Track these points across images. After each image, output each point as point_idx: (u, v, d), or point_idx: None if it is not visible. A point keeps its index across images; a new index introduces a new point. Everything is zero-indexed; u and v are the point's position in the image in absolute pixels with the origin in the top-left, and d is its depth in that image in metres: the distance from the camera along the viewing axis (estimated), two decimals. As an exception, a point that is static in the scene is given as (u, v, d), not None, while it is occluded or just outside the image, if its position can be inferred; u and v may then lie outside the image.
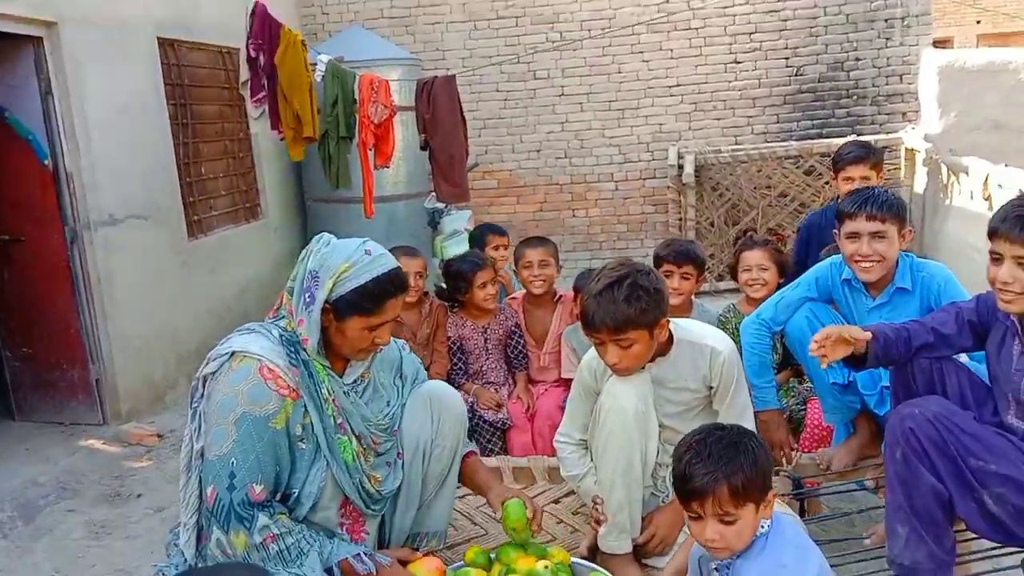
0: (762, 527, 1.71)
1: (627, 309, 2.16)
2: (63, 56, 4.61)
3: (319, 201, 7.05)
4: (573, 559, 2.28)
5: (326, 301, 2.06)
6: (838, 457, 2.73)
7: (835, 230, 2.74)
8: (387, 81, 5.89)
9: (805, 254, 3.75)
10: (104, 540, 3.73)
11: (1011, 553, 2.17)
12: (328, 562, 2.03)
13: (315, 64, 5.63)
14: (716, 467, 1.65)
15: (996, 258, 2.03)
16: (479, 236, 4.60)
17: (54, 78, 4.61)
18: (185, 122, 5.79)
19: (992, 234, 2.04)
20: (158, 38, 5.45)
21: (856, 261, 2.63)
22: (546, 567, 2.15)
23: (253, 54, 5.56)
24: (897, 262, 2.66)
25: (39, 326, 4.87)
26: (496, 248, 4.44)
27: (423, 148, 6.34)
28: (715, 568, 1.79)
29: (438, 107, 6.05)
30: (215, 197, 6.22)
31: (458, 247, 5.87)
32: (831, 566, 1.89)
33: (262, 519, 1.99)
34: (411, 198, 7.03)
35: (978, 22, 21.82)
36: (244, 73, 5.89)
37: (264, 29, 5.49)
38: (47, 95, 4.62)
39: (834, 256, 2.81)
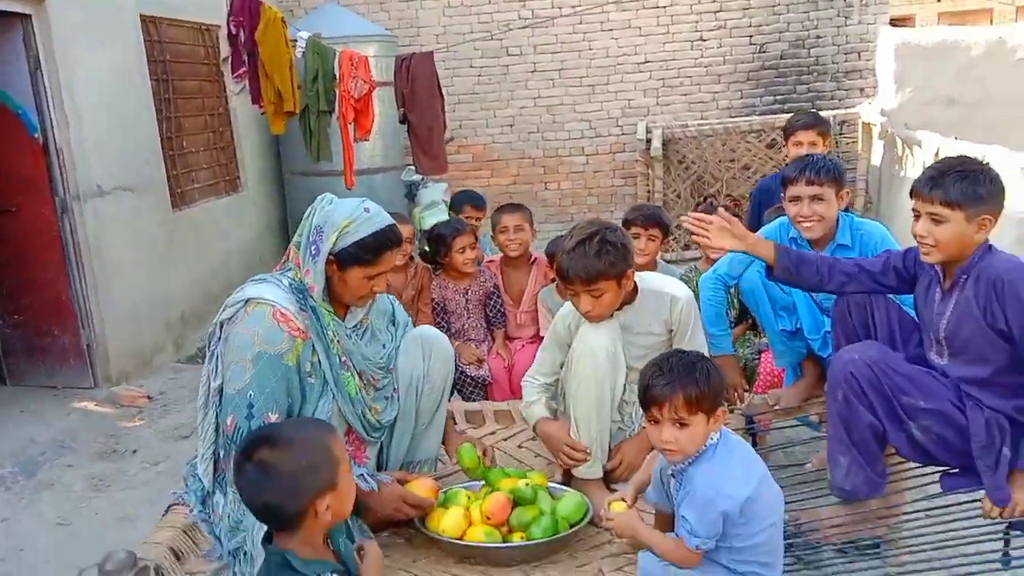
0: (711, 439, 1.98)
1: (598, 262, 2.43)
2: (51, 33, 4.74)
3: (297, 174, 7.23)
4: (549, 483, 2.56)
5: (330, 253, 2.28)
6: (787, 396, 3.02)
7: (781, 194, 3.02)
8: (366, 57, 6.07)
9: (758, 216, 4.03)
10: (104, 492, 3.94)
11: (931, 473, 2.48)
12: None
13: (295, 40, 5.79)
14: (673, 378, 1.94)
15: (916, 215, 2.30)
16: (457, 203, 4.84)
17: (42, 54, 4.75)
18: (167, 97, 5.94)
19: (912, 193, 2.32)
20: (141, 15, 5.59)
21: (799, 221, 2.91)
22: (526, 484, 2.41)
23: (234, 31, 5.71)
24: (838, 222, 2.94)
25: (31, 294, 5.03)
26: (469, 218, 4.67)
27: (402, 122, 6.54)
28: (671, 474, 2.06)
29: (417, 83, 6.25)
30: (197, 170, 6.38)
31: (435, 217, 6.09)
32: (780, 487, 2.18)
33: None
34: (388, 171, 7.23)
35: (938, 0, 22.26)
36: (225, 49, 6.04)
37: (244, 7, 5.63)
38: (36, 71, 4.75)
39: (782, 217, 3.09)
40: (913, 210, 2.32)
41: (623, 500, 2.26)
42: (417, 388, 2.60)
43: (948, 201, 2.20)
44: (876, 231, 2.95)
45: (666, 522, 2.16)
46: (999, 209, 2.24)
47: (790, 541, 2.30)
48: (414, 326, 2.81)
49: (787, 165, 3.05)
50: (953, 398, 2.29)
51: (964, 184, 2.19)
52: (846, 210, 3.02)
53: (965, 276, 2.25)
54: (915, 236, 2.31)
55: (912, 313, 2.56)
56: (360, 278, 2.32)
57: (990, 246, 2.26)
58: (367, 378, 2.44)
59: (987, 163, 2.29)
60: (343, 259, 2.29)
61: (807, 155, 3.07)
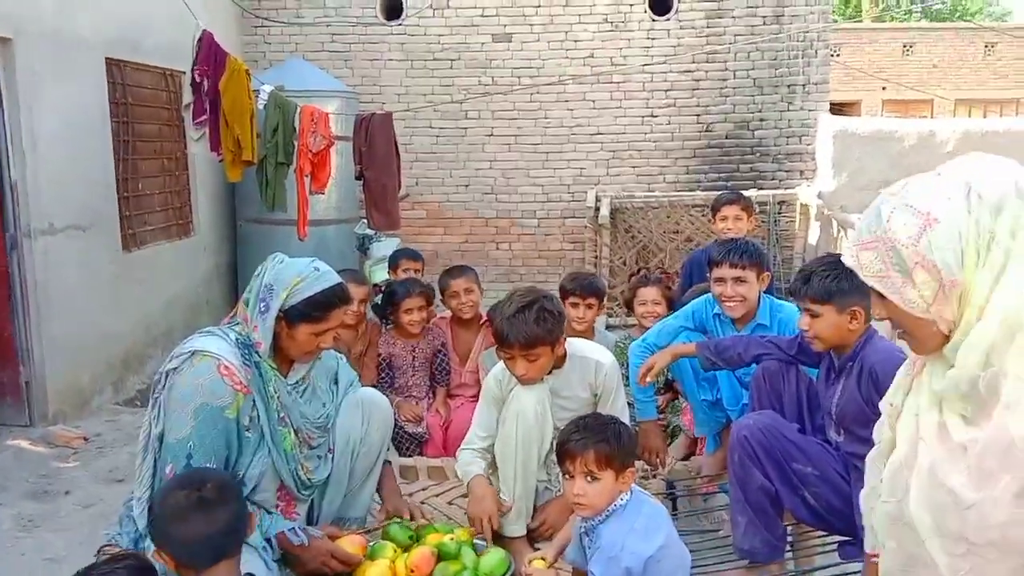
0: (621, 499, 2.13)
1: (536, 328, 2.59)
2: (15, 69, 4.81)
3: (251, 222, 7.30)
4: (475, 539, 2.66)
5: (280, 309, 2.39)
6: (707, 464, 3.18)
7: (708, 273, 3.22)
8: (327, 113, 6.23)
9: (689, 287, 4.25)
10: (33, 532, 3.89)
11: (832, 542, 2.64)
12: (267, 533, 2.35)
13: (258, 92, 5.93)
14: (587, 435, 2.13)
15: (800, 310, 2.53)
16: (393, 260, 5.00)
17: (5, 90, 4.80)
18: (127, 139, 6.01)
19: (792, 294, 2.56)
20: (106, 58, 5.68)
21: (723, 301, 3.12)
22: (451, 539, 2.51)
23: (198, 79, 5.83)
24: (759, 302, 3.14)
25: (-29, 328, 4.99)
26: (406, 271, 4.80)
27: (358, 178, 6.69)
28: (584, 533, 2.19)
29: (375, 141, 6.42)
30: (150, 212, 6.43)
31: (385, 272, 6.20)
32: (691, 551, 2.32)
33: None
34: (341, 223, 7.34)
35: (883, 88, 23.37)
36: (187, 96, 6.15)
37: (210, 56, 5.77)
38: (-3, 106, 4.81)
39: (708, 293, 3.29)
40: (800, 306, 2.55)
41: (543, 559, 2.38)
42: (353, 450, 2.69)
43: (816, 297, 2.43)
44: (794, 315, 3.15)
45: (584, 581, 2.28)
46: (867, 300, 2.42)
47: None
48: (360, 382, 2.92)
49: (712, 245, 3.26)
50: (841, 469, 2.48)
51: (828, 281, 2.42)
52: (768, 291, 3.23)
53: (851, 363, 2.46)
54: (800, 329, 2.53)
55: None
56: (308, 334, 2.42)
57: (872, 335, 2.47)
58: (303, 435, 2.52)
59: (829, 258, 2.56)
60: (292, 316, 2.39)
61: (732, 239, 3.28)
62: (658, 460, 3.16)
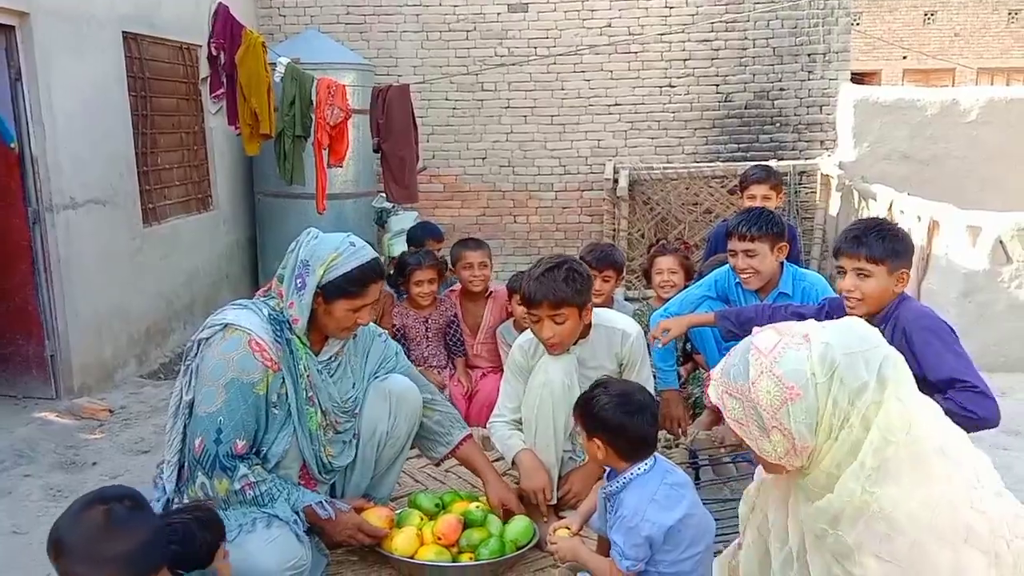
0: (643, 466, 2.14)
1: (565, 288, 2.59)
2: (33, 45, 4.81)
3: (269, 196, 7.31)
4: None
5: (317, 286, 2.38)
6: (729, 433, 3.18)
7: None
8: (343, 85, 6.21)
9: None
10: (62, 502, 3.94)
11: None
12: (295, 507, 2.37)
13: (274, 65, 5.92)
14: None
15: (841, 271, 2.51)
16: (415, 237, 4.98)
17: (24, 66, 4.82)
18: (145, 113, 6.02)
19: (836, 253, 2.53)
20: (123, 32, 5.68)
21: (737, 271, 3.11)
22: (477, 507, 2.53)
23: (214, 52, 5.84)
24: (782, 271, 3.12)
25: (-3, 302, 5.05)
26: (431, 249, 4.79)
27: (375, 151, 6.68)
28: (607, 499, 2.21)
29: (392, 113, 6.40)
30: (169, 187, 6.45)
31: (403, 245, 6.21)
32: (716, 519, 2.32)
33: (242, 469, 2.32)
34: (359, 196, 7.34)
35: (904, 58, 23.03)
36: (204, 70, 6.14)
37: (226, 29, 5.78)
38: (16, 81, 4.82)
39: (726, 264, 3.27)
40: (838, 267, 2.52)
41: (568, 528, 2.39)
42: (380, 441, 2.70)
43: (873, 257, 2.41)
44: (817, 282, 3.14)
45: (607, 546, 2.30)
46: (911, 264, 2.50)
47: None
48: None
49: (733, 217, 3.24)
50: None
51: (885, 242, 2.41)
52: (795, 261, 3.20)
53: (883, 325, 2.44)
54: (842, 292, 2.50)
55: None
56: (345, 310, 2.42)
57: (905, 296, 2.46)
58: (330, 418, 2.53)
59: (897, 224, 2.54)
60: (329, 292, 2.39)
61: (748, 210, 3.25)
62: (680, 429, 3.16)
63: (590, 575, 2.22)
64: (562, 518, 2.65)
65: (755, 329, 1.61)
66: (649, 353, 3.02)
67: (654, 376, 3.22)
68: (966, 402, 2.30)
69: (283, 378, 2.39)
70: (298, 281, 2.39)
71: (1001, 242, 5.37)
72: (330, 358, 2.55)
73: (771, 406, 1.48)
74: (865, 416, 1.45)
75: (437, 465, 2.92)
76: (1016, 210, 5.60)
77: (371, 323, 2.71)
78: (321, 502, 2.42)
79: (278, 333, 2.39)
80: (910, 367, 2.36)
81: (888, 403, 1.46)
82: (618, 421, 2.16)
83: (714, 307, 3.19)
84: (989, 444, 4.19)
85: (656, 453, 2.21)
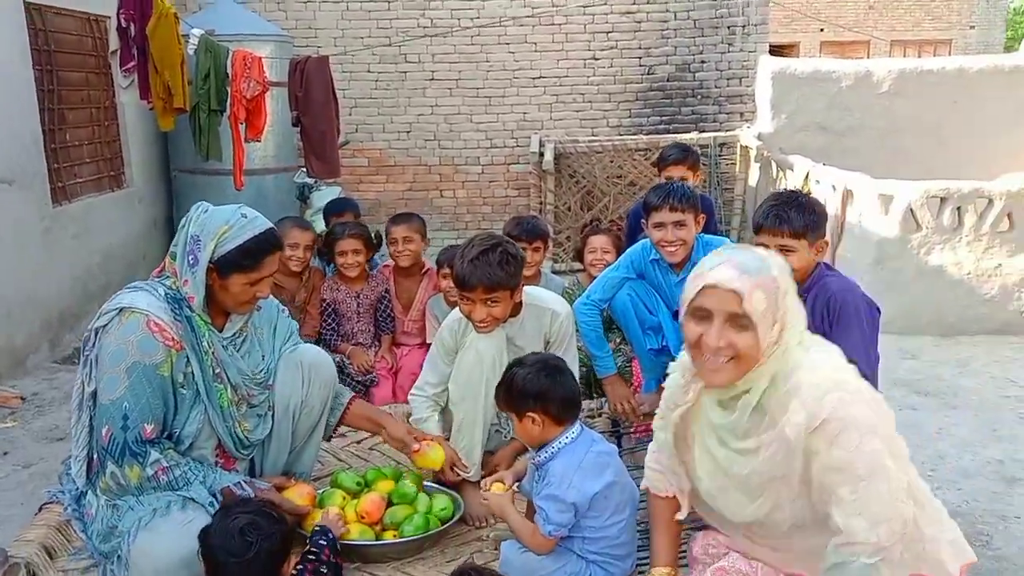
0: (569, 435, 2.17)
1: (500, 272, 2.57)
2: (-75, 15, 4.57)
3: (186, 172, 7.11)
4: (426, 483, 2.68)
5: (209, 261, 2.30)
6: (650, 401, 3.24)
7: (643, 220, 3.22)
8: (260, 58, 6.04)
9: (633, 235, 4.26)
10: (-28, 493, 3.81)
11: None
12: (212, 489, 2.31)
13: (187, 37, 5.72)
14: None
15: (763, 247, 2.55)
16: (326, 212, 4.96)
17: (-85, 37, 4.57)
18: (51, 88, 5.77)
19: (756, 229, 2.58)
20: (25, 3, 5.41)
21: (663, 246, 3.11)
22: (410, 484, 2.54)
23: (124, 24, 5.60)
24: (695, 243, 3.17)
25: None
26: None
27: (295, 125, 6.54)
28: (535, 464, 2.25)
29: (310, 86, 6.26)
30: (80, 164, 6.21)
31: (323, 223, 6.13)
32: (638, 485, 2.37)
33: (154, 454, 2.25)
34: (280, 172, 7.19)
35: (821, 30, 23.53)
36: (114, 42, 5.90)
37: (136, 0, 5.54)
38: (-93, 54, 4.57)
39: (644, 240, 3.30)
40: (760, 244, 2.56)
41: (502, 482, 2.41)
42: (295, 413, 2.63)
43: (795, 232, 2.46)
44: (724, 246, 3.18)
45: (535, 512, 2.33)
46: (826, 232, 2.60)
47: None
48: (300, 329, 2.86)
49: (649, 192, 3.25)
50: None
51: (805, 215, 2.47)
52: (713, 232, 3.26)
53: (805, 295, 2.50)
54: None
55: None
56: (242, 284, 2.34)
57: (823, 267, 2.53)
58: (242, 392, 2.47)
59: (810, 193, 2.61)
60: (223, 266, 2.31)
61: (666, 183, 3.28)
62: (629, 407, 3.20)
63: (513, 541, 2.26)
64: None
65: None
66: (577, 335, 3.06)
67: (590, 362, 3.28)
68: None
69: (187, 357, 2.32)
70: (190, 258, 2.31)
71: (911, 210, 5.56)
72: (234, 334, 2.48)
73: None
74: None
75: (329, 440, 2.88)
76: (926, 179, 5.80)
77: (276, 298, 2.66)
78: (239, 482, 2.37)
79: (177, 312, 2.31)
80: (826, 335, 2.46)
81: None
82: (544, 386, 2.19)
83: (635, 287, 3.22)
84: (898, 405, 4.37)
85: (580, 423, 2.24)
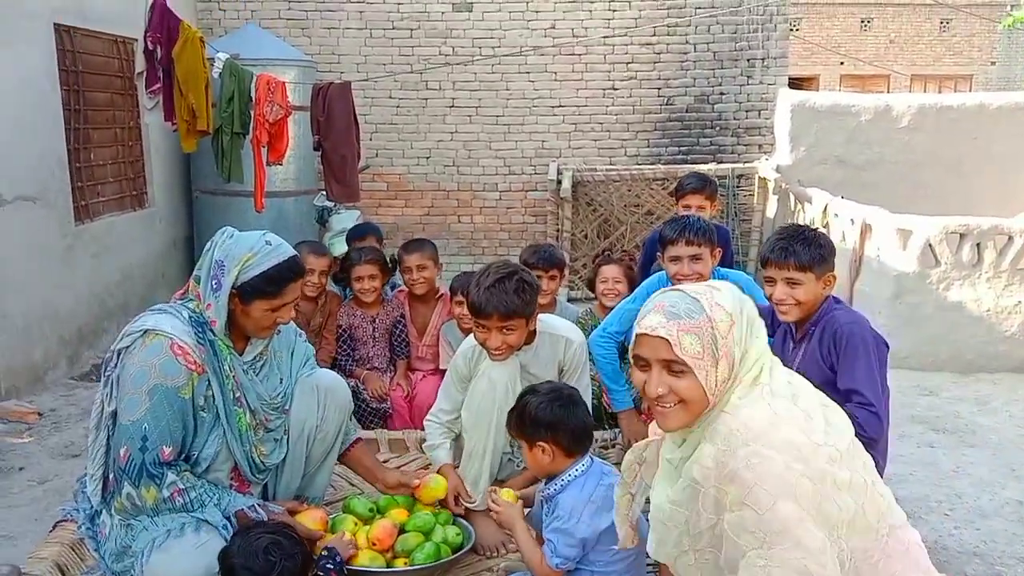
0: (579, 468, 2.16)
1: (516, 300, 2.58)
2: (-42, 36, 4.66)
3: (207, 193, 7.18)
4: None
5: (232, 287, 2.33)
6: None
7: (659, 253, 3.21)
8: (283, 82, 6.13)
9: (649, 264, 4.26)
10: (-13, 508, 3.83)
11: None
12: (226, 511, 2.32)
13: (213, 60, 5.81)
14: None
15: (771, 281, 2.56)
16: (349, 237, 4.98)
17: (-52, 57, 4.66)
18: (77, 108, 5.86)
19: (763, 263, 2.57)
20: (55, 24, 5.52)
21: (679, 279, 3.09)
22: (428, 513, 2.54)
23: (151, 46, 5.71)
24: (712, 277, 3.16)
25: (-83, 302, 4.86)
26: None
27: (316, 149, 6.61)
28: (545, 497, 2.25)
29: (332, 111, 6.34)
30: (103, 183, 6.29)
31: (344, 245, 6.16)
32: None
33: (170, 476, 2.27)
34: (300, 195, 7.26)
35: (841, 63, 23.61)
36: (140, 64, 6.00)
37: (163, 23, 5.64)
38: (-61, 73, 4.66)
39: (660, 272, 3.30)
40: (767, 278, 2.57)
41: (510, 490, 2.41)
42: (309, 436, 2.65)
43: (801, 265, 2.46)
44: (741, 280, 3.17)
45: (541, 543, 2.31)
46: (834, 266, 2.59)
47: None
48: (316, 354, 2.88)
49: (665, 225, 3.25)
50: None
51: (811, 249, 2.48)
52: (729, 263, 3.25)
53: (813, 328, 2.50)
54: (774, 301, 2.55)
55: None
56: (263, 310, 2.36)
57: (834, 299, 2.53)
58: (259, 417, 2.48)
59: (818, 228, 2.62)
60: (246, 292, 2.33)
61: (683, 217, 3.27)
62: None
63: (524, 573, 2.24)
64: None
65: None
66: (592, 372, 3.05)
67: (603, 391, 3.26)
68: (861, 420, 2.39)
69: (208, 380, 2.34)
70: (213, 283, 2.34)
71: (930, 245, 5.54)
72: (255, 358, 2.49)
73: (725, 332, 1.68)
74: (752, 351, 1.71)
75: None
76: (945, 214, 5.78)
77: (293, 323, 2.68)
78: (253, 505, 2.38)
79: (200, 335, 2.33)
80: (829, 368, 2.45)
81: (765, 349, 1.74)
82: (556, 416, 2.19)
83: None
84: (916, 442, 4.32)
85: (591, 455, 2.23)
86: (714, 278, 3.15)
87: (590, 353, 3.25)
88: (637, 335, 1.75)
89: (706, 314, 1.68)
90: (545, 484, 2.23)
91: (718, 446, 1.64)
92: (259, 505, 2.40)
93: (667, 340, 1.67)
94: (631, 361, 1.79)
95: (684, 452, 1.75)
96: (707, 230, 3.09)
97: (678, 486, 1.73)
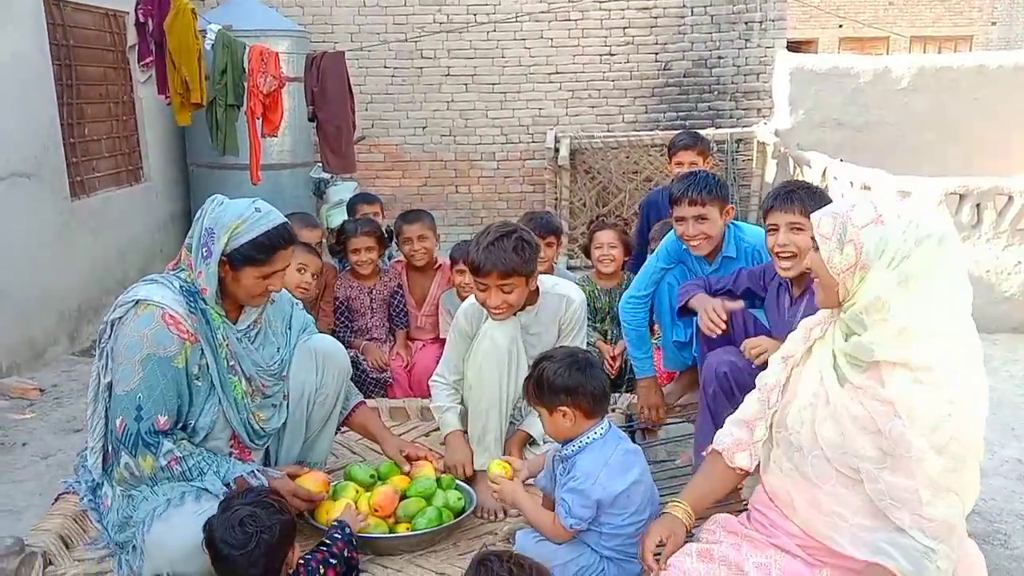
0: (598, 431, 2.17)
1: (515, 257, 2.58)
2: (-54, 11, 4.61)
3: (203, 167, 7.15)
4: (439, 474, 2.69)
5: (222, 254, 2.32)
6: (670, 392, 3.25)
7: (669, 211, 3.18)
8: (277, 53, 6.08)
9: (647, 228, 4.24)
10: (-9, 483, 3.85)
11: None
12: (225, 479, 2.33)
13: (205, 32, 5.75)
14: (562, 363, 2.23)
15: (773, 229, 2.53)
16: (350, 205, 4.97)
17: (-64, 32, 4.61)
18: (70, 83, 5.81)
19: (767, 211, 2.55)
20: (45, -2, 5.46)
21: (685, 239, 3.06)
22: (430, 478, 2.55)
23: (142, 19, 5.65)
24: (725, 232, 3.11)
25: (-85, 280, 4.86)
26: (366, 214, 4.76)
27: (311, 120, 6.56)
28: (561, 461, 2.25)
29: (326, 81, 6.28)
30: (98, 158, 6.25)
31: (342, 216, 6.13)
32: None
33: (166, 444, 2.28)
34: (296, 167, 7.22)
35: (840, 26, 23.34)
36: (132, 37, 5.95)
37: (154, -6, 5.58)
38: (-72, 49, 4.61)
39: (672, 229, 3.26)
40: (770, 226, 2.55)
41: (506, 462, 2.42)
42: (309, 400, 2.65)
43: (806, 210, 2.44)
44: (756, 239, 3.09)
45: (550, 506, 2.32)
46: None
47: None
48: (315, 326, 2.88)
49: (673, 182, 3.21)
50: None
51: (815, 197, 2.46)
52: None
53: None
54: (774, 250, 2.53)
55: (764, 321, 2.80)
56: (254, 278, 2.36)
57: None
58: (256, 384, 2.49)
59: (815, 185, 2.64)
60: (235, 260, 2.33)
61: (691, 174, 3.19)
62: (656, 416, 3.18)
63: (529, 530, 2.26)
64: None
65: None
66: (618, 338, 3.03)
67: (624, 360, 3.25)
68: None
69: (202, 349, 2.34)
70: (204, 250, 2.33)
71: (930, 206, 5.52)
72: (248, 326, 2.50)
73: (859, 223, 1.82)
74: (920, 262, 1.79)
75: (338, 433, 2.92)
76: (945, 175, 5.75)
77: (289, 292, 2.67)
78: (253, 472, 2.39)
79: (192, 304, 2.33)
80: None
81: (935, 267, 1.80)
82: (575, 380, 2.18)
83: (675, 275, 3.16)
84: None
85: (609, 420, 2.25)
86: (730, 234, 3.10)
87: (618, 318, 3.29)
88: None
89: (846, 207, 1.87)
90: (563, 446, 2.23)
91: (909, 359, 1.78)
92: (259, 471, 2.41)
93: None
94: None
95: (854, 346, 1.86)
96: (713, 187, 3.00)
97: (860, 395, 1.83)
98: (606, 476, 2.12)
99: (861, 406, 1.82)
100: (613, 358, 3.83)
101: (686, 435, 3.22)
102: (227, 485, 2.32)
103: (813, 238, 1.89)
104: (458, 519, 2.50)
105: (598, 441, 2.19)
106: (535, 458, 2.54)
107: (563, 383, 2.18)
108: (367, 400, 3.61)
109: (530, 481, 2.43)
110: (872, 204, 1.85)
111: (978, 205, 5.50)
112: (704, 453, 2.21)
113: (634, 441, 3.07)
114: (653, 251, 3.49)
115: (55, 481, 3.58)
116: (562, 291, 2.86)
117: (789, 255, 2.50)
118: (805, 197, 2.49)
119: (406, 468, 2.65)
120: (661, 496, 2.55)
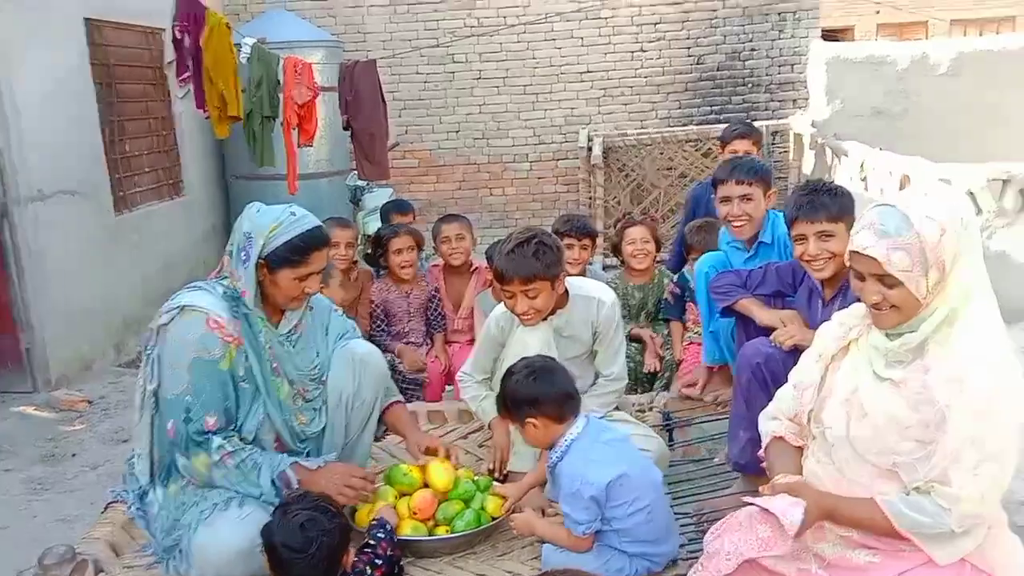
0: (573, 433, 2.20)
1: (535, 263, 2.59)
2: (-8, 36, 4.74)
3: (241, 178, 7.27)
4: (476, 476, 2.71)
5: (259, 256, 2.38)
6: (701, 378, 3.25)
7: (712, 196, 3.17)
8: (310, 64, 6.15)
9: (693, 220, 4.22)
10: (43, 495, 3.96)
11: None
12: (278, 469, 2.37)
13: (240, 46, 5.85)
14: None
15: (801, 239, 2.51)
16: (383, 214, 5.03)
17: (-18, 57, 4.75)
18: (111, 100, 5.95)
19: (792, 221, 2.53)
20: (85, 18, 5.59)
21: (729, 221, 3.05)
22: (471, 481, 2.58)
23: (179, 36, 5.76)
24: (765, 220, 3.09)
25: (-32, 298, 5.01)
26: (398, 223, 4.81)
27: (345, 128, 6.64)
28: (548, 468, 2.30)
29: (359, 90, 6.35)
30: (140, 174, 6.40)
31: (379, 222, 6.19)
32: (690, 479, 2.37)
33: (216, 440, 2.33)
34: (333, 175, 7.31)
35: (877, 12, 22.91)
36: (169, 54, 6.06)
37: (190, 11, 5.68)
38: (-25, 73, 4.75)
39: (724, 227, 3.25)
40: (797, 236, 2.52)
41: (501, 497, 2.50)
42: (347, 405, 2.67)
43: (832, 216, 2.41)
44: None
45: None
46: None
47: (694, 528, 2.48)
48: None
49: (718, 167, 3.20)
50: None
51: (839, 199, 2.43)
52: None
53: (846, 283, 2.46)
54: (805, 259, 2.50)
55: None
56: (290, 279, 2.41)
57: None
58: (297, 387, 2.53)
59: (832, 181, 2.58)
60: (272, 262, 2.38)
61: (736, 157, 3.19)
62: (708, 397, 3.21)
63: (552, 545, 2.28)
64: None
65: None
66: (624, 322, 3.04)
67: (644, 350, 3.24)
68: None
69: (246, 352, 2.39)
70: (243, 255, 2.40)
71: (971, 194, 5.40)
72: (290, 331, 2.55)
73: (931, 241, 1.75)
74: (964, 243, 1.78)
75: (378, 440, 2.94)
76: (986, 161, 5.62)
77: (329, 298, 2.71)
78: (295, 463, 2.41)
79: (235, 309, 2.39)
80: None
81: (974, 245, 1.81)
82: (535, 390, 2.23)
83: (716, 264, 3.16)
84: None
85: (588, 414, 2.26)
86: (768, 221, 3.08)
87: (653, 314, 3.31)
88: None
89: (914, 230, 1.76)
90: (550, 455, 2.26)
91: (959, 355, 1.77)
92: (301, 464, 2.43)
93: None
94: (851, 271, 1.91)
95: (897, 348, 1.86)
96: (759, 169, 3.01)
97: (903, 389, 1.82)
98: (592, 472, 2.13)
99: (902, 400, 1.81)
100: (657, 353, 3.82)
101: (723, 433, 3.21)
102: (274, 485, 2.35)
103: (861, 255, 1.83)
104: (496, 521, 2.52)
105: (578, 441, 2.21)
106: (531, 474, 2.55)
107: (524, 395, 2.22)
108: (407, 404, 3.67)
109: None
110: (923, 215, 1.78)
111: (1021, 191, 5.37)
112: (760, 453, 2.19)
113: (671, 439, 3.08)
114: (689, 252, 3.48)
115: (105, 490, 3.67)
116: (592, 293, 2.85)
117: (824, 261, 2.48)
118: (828, 202, 2.46)
119: (420, 461, 2.67)
120: (701, 494, 2.55)
